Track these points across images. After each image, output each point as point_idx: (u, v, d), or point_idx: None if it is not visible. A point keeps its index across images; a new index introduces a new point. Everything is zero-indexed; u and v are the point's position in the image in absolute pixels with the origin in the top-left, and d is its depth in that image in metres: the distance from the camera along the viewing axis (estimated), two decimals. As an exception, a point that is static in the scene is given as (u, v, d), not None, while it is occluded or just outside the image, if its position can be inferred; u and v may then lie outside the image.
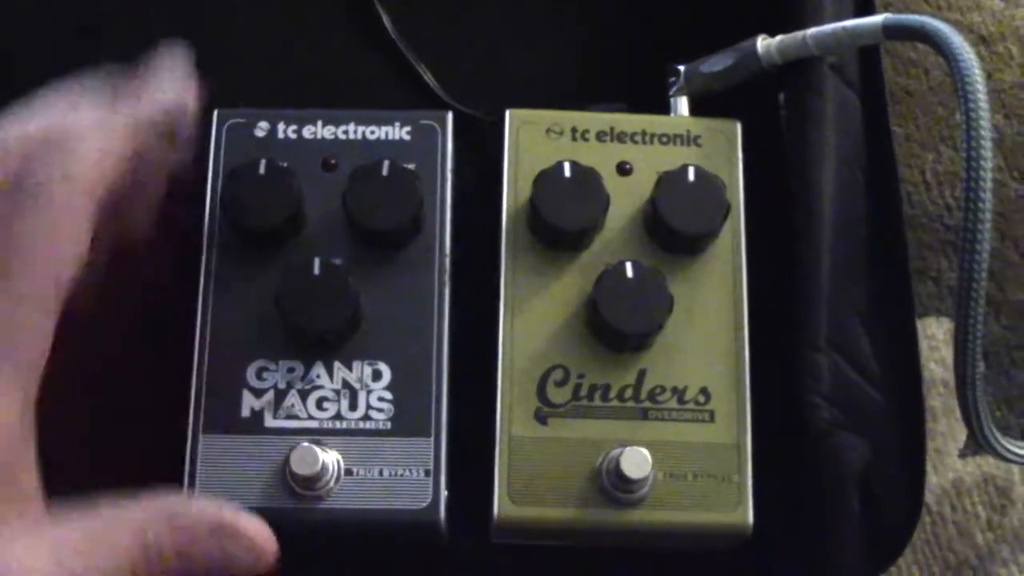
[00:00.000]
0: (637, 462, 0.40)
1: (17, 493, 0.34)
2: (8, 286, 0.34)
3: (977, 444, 0.41)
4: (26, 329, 0.35)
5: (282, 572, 0.43)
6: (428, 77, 0.49)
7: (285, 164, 0.42)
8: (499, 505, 0.41)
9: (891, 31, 0.41)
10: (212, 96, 0.41)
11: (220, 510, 0.36)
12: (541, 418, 0.42)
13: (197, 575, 0.36)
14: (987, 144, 0.38)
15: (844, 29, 0.42)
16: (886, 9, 0.51)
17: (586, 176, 0.42)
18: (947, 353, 0.49)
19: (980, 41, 0.53)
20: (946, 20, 0.41)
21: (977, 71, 0.39)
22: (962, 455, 0.48)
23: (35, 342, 0.35)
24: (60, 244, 0.35)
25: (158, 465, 0.41)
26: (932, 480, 0.45)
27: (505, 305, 0.43)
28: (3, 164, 0.36)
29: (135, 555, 0.35)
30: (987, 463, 0.48)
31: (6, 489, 0.34)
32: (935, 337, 0.50)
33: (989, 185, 0.38)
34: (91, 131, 0.36)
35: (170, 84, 0.39)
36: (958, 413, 0.48)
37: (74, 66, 0.49)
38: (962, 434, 0.49)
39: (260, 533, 0.37)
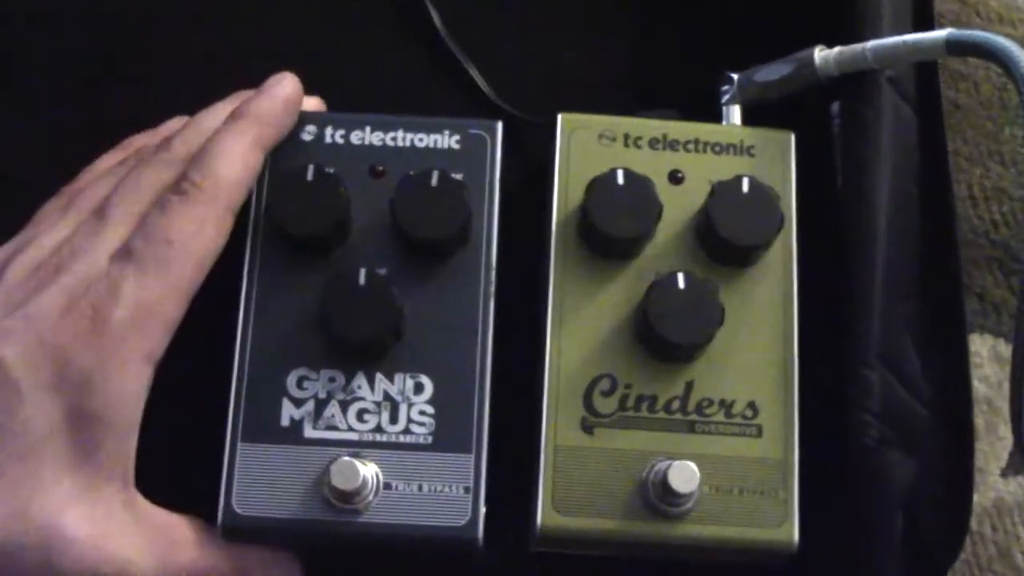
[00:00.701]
0: (686, 477, 0.39)
1: (121, 459, 0.38)
2: (163, 275, 0.38)
3: (1028, 467, 0.41)
4: (167, 316, 0.38)
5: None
6: (477, 77, 0.49)
7: (332, 170, 0.42)
8: (542, 514, 0.41)
9: (954, 47, 0.41)
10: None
11: None
12: (587, 428, 0.41)
13: None
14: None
15: (905, 43, 0.42)
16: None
17: (640, 185, 0.42)
18: (991, 371, 0.49)
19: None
20: (999, 34, 0.40)
21: (1043, 90, 0.38)
22: (1004, 474, 0.48)
23: (169, 329, 0.39)
24: (208, 238, 0.39)
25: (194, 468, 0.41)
26: (973, 499, 0.44)
27: (553, 312, 0.42)
28: (169, 170, 0.40)
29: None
30: (1029, 483, 0.48)
31: (116, 451, 0.38)
32: (979, 354, 0.49)
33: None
34: (234, 139, 0.40)
35: (284, 91, 0.42)
36: (1001, 431, 0.48)
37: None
38: (1004, 453, 0.48)
39: None
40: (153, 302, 0.38)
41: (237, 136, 0.41)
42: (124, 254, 0.38)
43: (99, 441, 0.37)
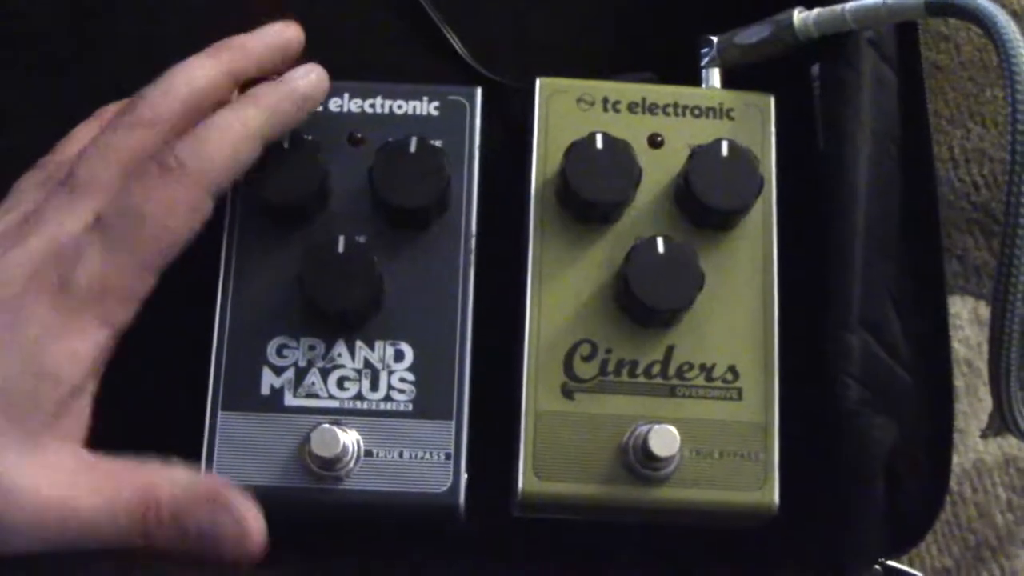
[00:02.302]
0: (666, 440, 0.39)
1: (69, 416, 0.38)
2: (131, 250, 0.37)
3: (1007, 429, 0.41)
4: (131, 290, 0.38)
5: (300, 546, 0.43)
6: (455, 42, 0.48)
7: (310, 137, 0.42)
8: (523, 480, 0.41)
9: (933, 8, 0.40)
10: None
11: (217, 484, 0.38)
12: (567, 393, 0.41)
13: (188, 542, 0.37)
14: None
15: (885, 4, 0.41)
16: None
17: (619, 148, 0.42)
18: (971, 332, 0.49)
19: (1012, 17, 0.52)
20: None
21: (1023, 50, 0.38)
22: (983, 436, 0.48)
23: (133, 302, 0.38)
24: (183, 220, 0.38)
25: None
26: (953, 460, 0.44)
27: (533, 278, 0.42)
28: (132, 134, 0.39)
29: (136, 507, 0.37)
30: (1009, 444, 0.48)
31: (63, 407, 0.37)
32: (959, 316, 0.49)
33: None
34: (236, 125, 0.39)
35: (305, 86, 0.41)
36: (980, 393, 0.48)
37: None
38: (984, 414, 0.48)
39: (251, 514, 0.38)
40: (118, 276, 0.38)
41: (240, 124, 0.39)
42: (96, 223, 0.38)
43: (43, 397, 0.37)
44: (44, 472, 0.37)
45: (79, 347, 0.37)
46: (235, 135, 0.39)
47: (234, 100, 0.41)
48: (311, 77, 0.41)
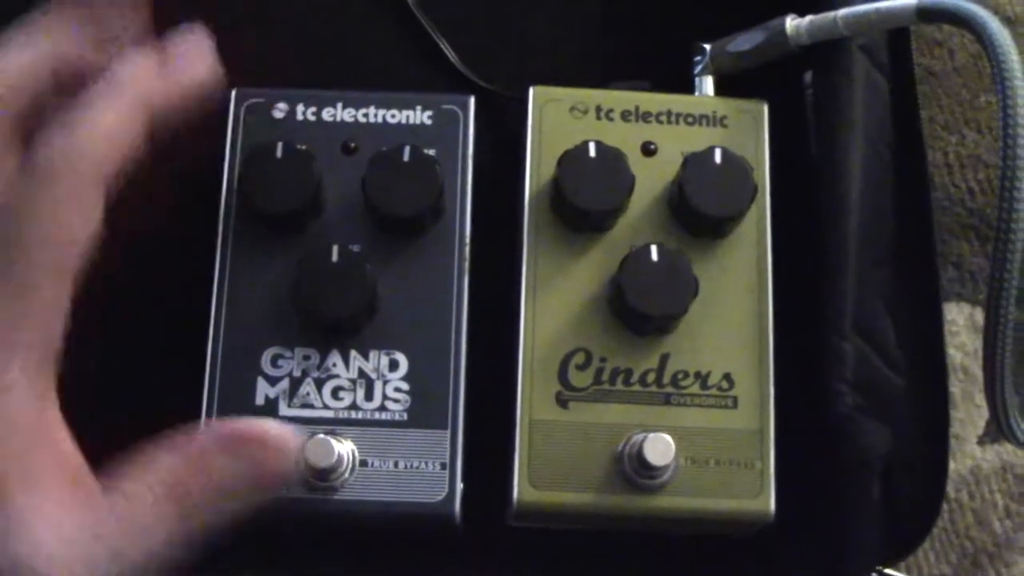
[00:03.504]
0: (661, 449, 0.39)
1: (36, 469, 0.33)
2: (12, 278, 0.33)
3: (1003, 435, 0.41)
4: (34, 319, 0.33)
5: (295, 557, 0.43)
6: (448, 51, 0.48)
7: (303, 147, 0.42)
8: (519, 489, 0.41)
9: (925, 14, 0.40)
10: (229, 71, 0.39)
11: (229, 427, 0.34)
12: (562, 402, 0.41)
13: (235, 491, 0.34)
14: (1024, 130, 0.38)
15: (877, 11, 0.42)
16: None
17: (612, 157, 0.42)
18: (967, 339, 0.49)
19: (1006, 23, 0.52)
20: (976, 1, 0.40)
21: (1014, 56, 0.38)
22: (981, 442, 0.48)
23: (44, 328, 0.33)
24: (67, 227, 0.33)
25: None
26: (950, 467, 0.44)
27: (527, 287, 0.42)
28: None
29: (173, 501, 0.33)
30: (1006, 450, 0.48)
31: (34, 474, 0.33)
32: (955, 322, 0.49)
33: (1027, 171, 0.38)
34: (103, 106, 0.35)
35: (192, 63, 0.37)
36: (977, 399, 0.48)
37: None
38: (981, 421, 0.48)
39: (277, 432, 0.34)
40: (12, 311, 0.33)
41: (114, 110, 0.35)
42: None
43: None
44: (55, 528, 0.32)
45: None
46: (109, 120, 0.34)
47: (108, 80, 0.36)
48: (197, 65, 0.37)
